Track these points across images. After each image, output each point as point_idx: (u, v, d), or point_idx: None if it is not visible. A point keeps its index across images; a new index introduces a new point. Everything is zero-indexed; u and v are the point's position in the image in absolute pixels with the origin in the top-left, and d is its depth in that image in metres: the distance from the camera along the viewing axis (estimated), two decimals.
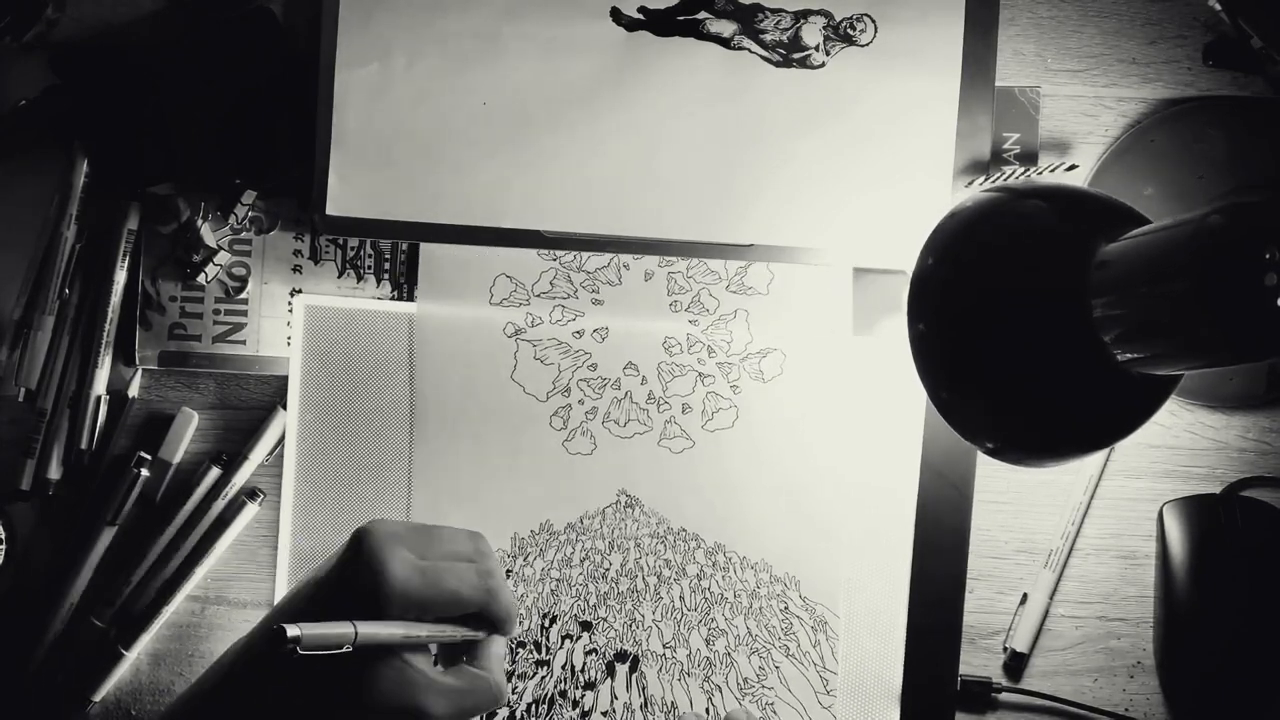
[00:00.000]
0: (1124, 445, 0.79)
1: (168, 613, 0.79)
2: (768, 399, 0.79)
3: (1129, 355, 0.54)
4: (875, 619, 0.78)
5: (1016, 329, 0.58)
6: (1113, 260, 0.54)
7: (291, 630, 0.54)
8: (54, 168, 0.79)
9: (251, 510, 0.79)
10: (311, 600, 0.63)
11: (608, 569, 0.79)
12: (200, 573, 0.79)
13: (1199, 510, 0.78)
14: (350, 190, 0.78)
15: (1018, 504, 0.80)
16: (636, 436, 0.79)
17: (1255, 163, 0.78)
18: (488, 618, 0.66)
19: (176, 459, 0.79)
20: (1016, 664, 0.79)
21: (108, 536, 0.79)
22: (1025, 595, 0.79)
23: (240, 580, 0.80)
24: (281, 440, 0.79)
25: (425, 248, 0.79)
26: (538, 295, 0.79)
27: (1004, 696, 0.79)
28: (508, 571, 0.78)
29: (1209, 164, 0.78)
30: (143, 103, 0.78)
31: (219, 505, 0.79)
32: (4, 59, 0.79)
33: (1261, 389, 0.78)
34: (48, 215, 0.78)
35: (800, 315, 0.78)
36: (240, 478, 0.79)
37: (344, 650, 0.57)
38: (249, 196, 0.79)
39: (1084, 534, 0.80)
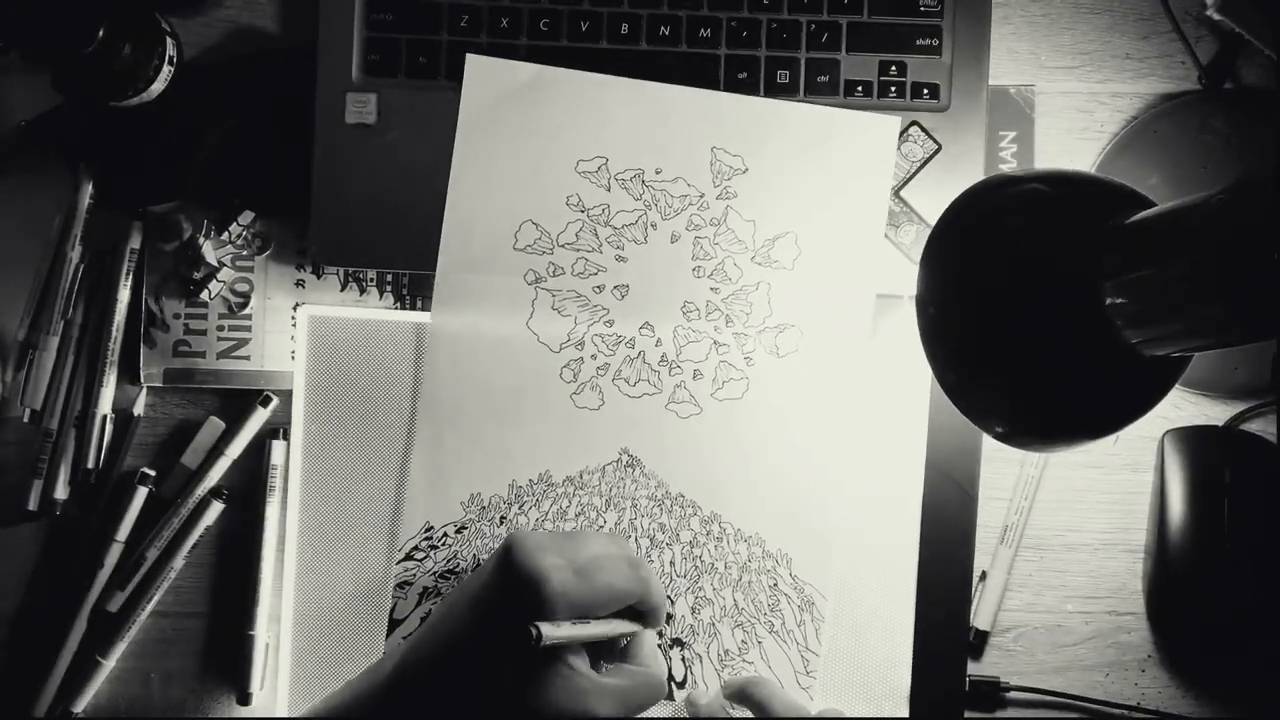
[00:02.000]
0: (1129, 439, 0.80)
1: (141, 618, 0.79)
2: (780, 374, 0.78)
3: (1140, 336, 0.54)
4: (882, 619, 0.78)
5: (1026, 311, 0.58)
6: (1122, 241, 0.55)
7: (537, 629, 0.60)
8: (57, 187, 0.79)
9: (217, 509, 0.79)
10: (471, 611, 0.65)
11: (602, 526, 0.78)
12: (171, 575, 0.79)
13: (1200, 440, 0.79)
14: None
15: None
16: (645, 397, 0.79)
17: (1260, 152, 0.78)
18: (639, 610, 0.67)
19: (196, 466, 0.80)
20: (980, 642, 0.79)
21: (116, 553, 0.79)
22: (984, 573, 0.79)
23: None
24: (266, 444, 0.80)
25: (453, 186, 0.78)
26: (562, 245, 0.78)
27: (1013, 695, 0.79)
28: (501, 518, 0.78)
29: (1213, 154, 0.78)
30: (146, 122, 0.78)
31: (186, 508, 0.79)
32: (5, 78, 0.79)
33: (1266, 379, 0.78)
34: (50, 235, 0.79)
35: (823, 295, 0.78)
36: (218, 470, 0.79)
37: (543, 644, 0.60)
38: (247, 216, 0.79)
39: (1090, 528, 0.80)
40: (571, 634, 0.62)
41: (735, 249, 0.78)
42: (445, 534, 0.78)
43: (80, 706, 0.78)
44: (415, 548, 0.78)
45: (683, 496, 0.78)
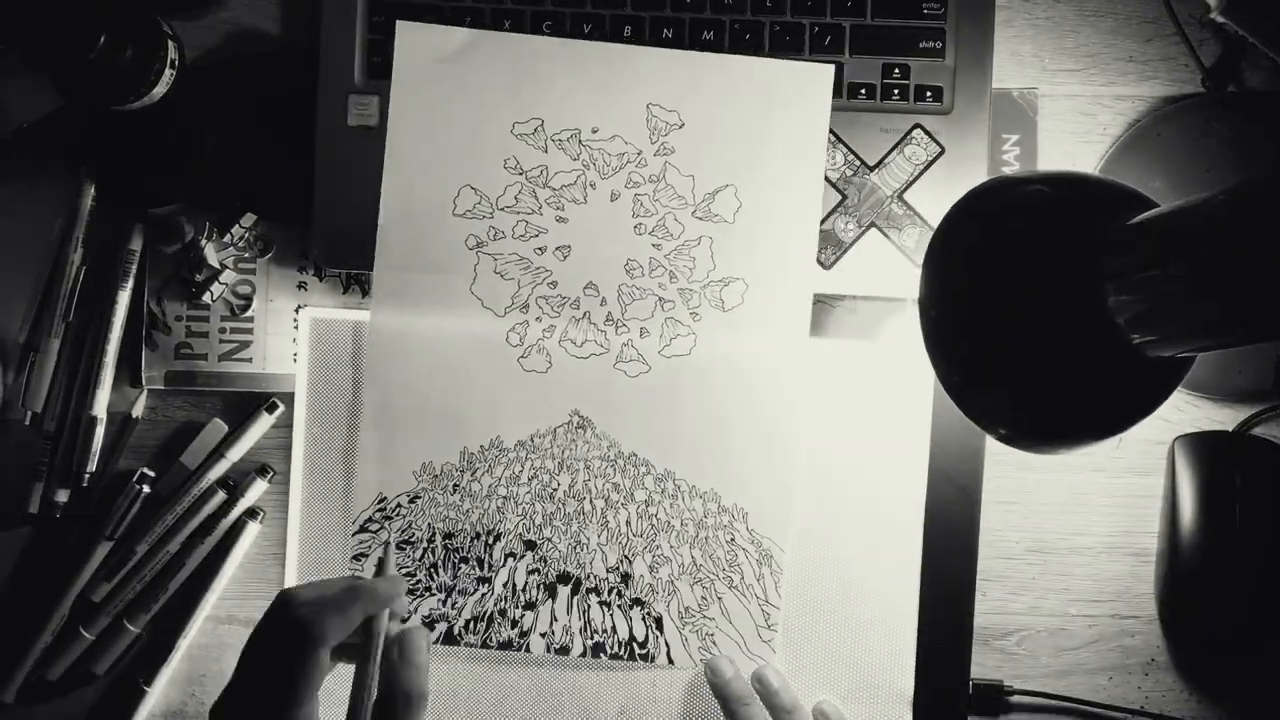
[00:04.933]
0: (1133, 441, 0.79)
1: (184, 645, 0.79)
2: (727, 328, 0.78)
3: (1143, 338, 0.54)
4: (886, 622, 0.78)
5: (1029, 313, 0.58)
6: (1125, 242, 0.55)
7: None
8: (58, 190, 0.79)
9: (253, 531, 0.79)
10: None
11: (555, 489, 0.78)
12: (211, 600, 0.79)
13: (1210, 446, 0.78)
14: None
15: (1027, 504, 0.80)
16: (593, 357, 0.79)
17: (1262, 155, 0.78)
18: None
19: (195, 466, 0.80)
20: None
21: (104, 550, 0.79)
22: None
23: (250, 599, 0.80)
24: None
25: (390, 154, 0.78)
26: (502, 209, 0.78)
27: (1016, 699, 0.79)
28: (454, 486, 0.78)
29: (1216, 157, 0.78)
30: (147, 125, 0.78)
31: (220, 530, 0.79)
32: (7, 81, 0.79)
33: (1270, 382, 0.78)
34: (51, 238, 0.79)
35: (765, 246, 0.78)
36: (216, 471, 0.79)
37: None
38: (248, 219, 0.79)
39: (1095, 532, 0.80)
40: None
41: (675, 204, 0.78)
42: (399, 504, 0.78)
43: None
44: (369, 519, 0.78)
45: (635, 455, 0.78)
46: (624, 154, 0.78)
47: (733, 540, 0.78)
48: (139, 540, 0.79)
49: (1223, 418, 0.80)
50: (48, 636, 0.78)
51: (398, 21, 0.78)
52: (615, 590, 0.78)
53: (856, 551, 0.78)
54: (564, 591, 0.78)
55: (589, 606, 0.78)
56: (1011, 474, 0.80)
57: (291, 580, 0.79)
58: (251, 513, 0.79)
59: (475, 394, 0.78)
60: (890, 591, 0.78)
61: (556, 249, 0.78)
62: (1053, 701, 0.79)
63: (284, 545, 0.79)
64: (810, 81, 0.78)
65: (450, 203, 0.78)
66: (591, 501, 0.78)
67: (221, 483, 0.79)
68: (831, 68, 0.77)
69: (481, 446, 0.78)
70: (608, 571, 0.78)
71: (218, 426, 0.80)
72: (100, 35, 0.70)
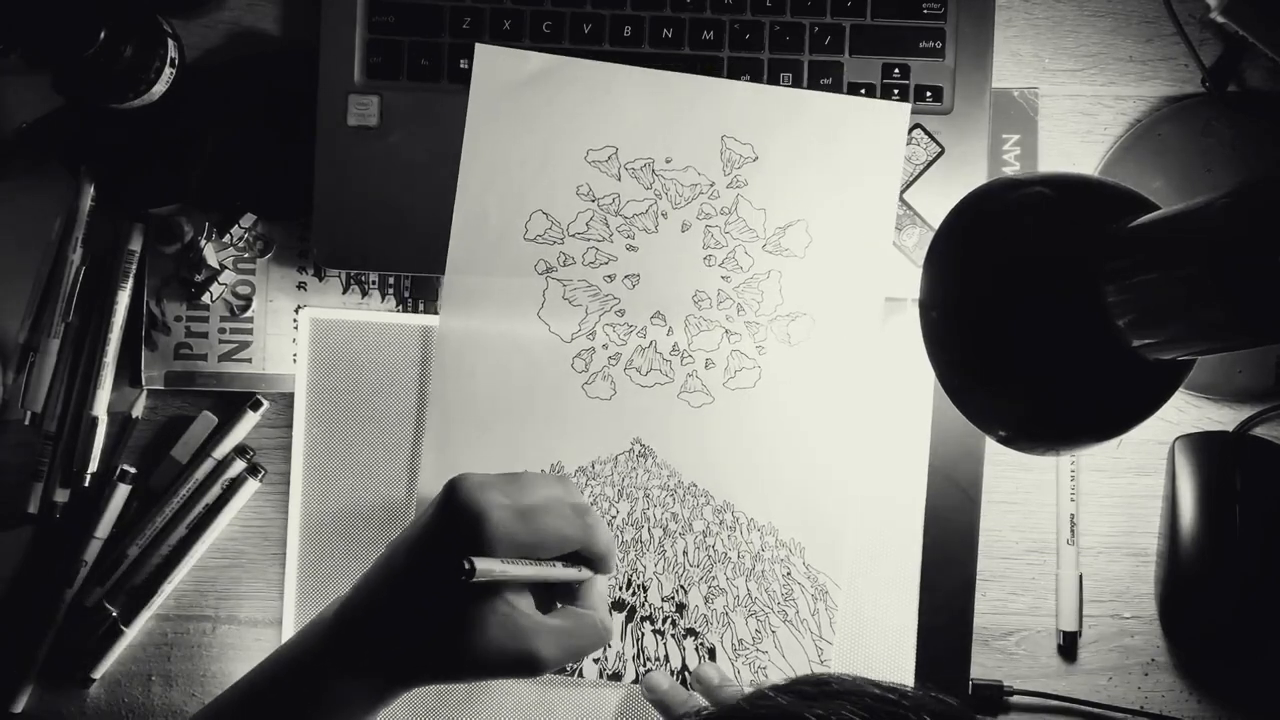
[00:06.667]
0: (1134, 442, 0.79)
1: (169, 589, 0.79)
2: (792, 363, 0.78)
3: (1143, 340, 0.54)
4: (885, 623, 0.78)
5: (1029, 315, 0.58)
6: (1125, 245, 0.54)
7: (470, 563, 0.59)
8: (58, 190, 0.79)
9: (253, 486, 0.79)
10: (411, 550, 0.64)
11: (614, 516, 0.78)
12: (201, 548, 0.79)
13: (1210, 446, 0.78)
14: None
15: (1028, 505, 0.80)
16: (657, 387, 0.79)
17: (1263, 155, 0.78)
18: (586, 555, 0.67)
19: (186, 460, 0.80)
20: (1070, 645, 0.80)
21: (95, 549, 0.79)
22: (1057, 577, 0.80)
23: (250, 599, 0.80)
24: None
25: (463, 177, 0.78)
26: (573, 235, 0.78)
27: (1016, 699, 0.79)
28: None
29: (1217, 157, 0.78)
30: (147, 124, 0.78)
31: (218, 486, 0.79)
32: (6, 80, 0.79)
33: (1270, 382, 0.78)
34: (51, 238, 0.78)
35: (835, 283, 0.78)
36: (202, 472, 0.79)
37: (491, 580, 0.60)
38: (248, 219, 0.79)
39: (1095, 532, 0.80)
40: (506, 571, 0.61)
41: (746, 237, 0.78)
42: None
43: (99, 673, 0.79)
44: None
45: (695, 486, 0.78)
46: (696, 185, 0.78)
47: (789, 574, 0.78)
48: (130, 543, 0.78)
49: (1223, 418, 0.80)
50: (46, 645, 0.78)
51: (476, 44, 0.78)
52: (670, 619, 0.78)
53: (857, 551, 0.78)
54: (618, 618, 0.78)
55: (643, 634, 0.78)
56: (1011, 475, 0.80)
57: (291, 582, 0.79)
58: (253, 469, 0.79)
59: (537, 418, 0.78)
60: (890, 592, 0.78)
61: (626, 277, 0.78)
62: (1053, 701, 0.79)
63: (284, 546, 0.79)
64: (885, 119, 0.77)
65: (522, 227, 0.78)
66: (650, 530, 0.78)
67: (252, 470, 0.80)
68: (907, 106, 0.77)
69: (542, 470, 0.78)
70: (663, 600, 0.78)
71: (207, 419, 0.80)
72: (99, 34, 0.70)
